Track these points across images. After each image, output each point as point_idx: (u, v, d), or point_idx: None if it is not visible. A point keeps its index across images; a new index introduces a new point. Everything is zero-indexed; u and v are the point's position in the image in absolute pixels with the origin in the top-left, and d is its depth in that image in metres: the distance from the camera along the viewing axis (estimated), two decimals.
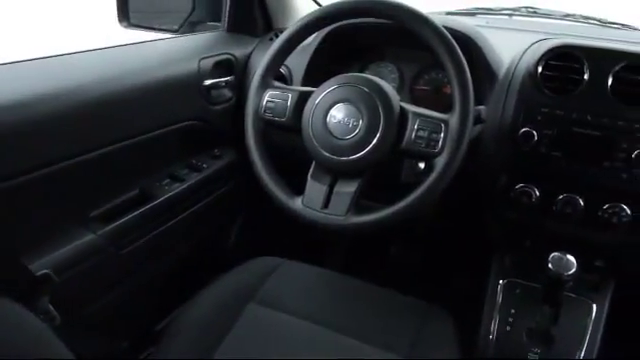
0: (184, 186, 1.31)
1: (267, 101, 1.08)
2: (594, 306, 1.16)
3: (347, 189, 1.01)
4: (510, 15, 1.77)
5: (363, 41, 1.40)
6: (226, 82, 1.41)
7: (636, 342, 1.25)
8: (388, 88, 1.02)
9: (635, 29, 1.59)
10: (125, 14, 1.48)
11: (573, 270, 1.02)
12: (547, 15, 1.68)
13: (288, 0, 1.55)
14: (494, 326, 1.17)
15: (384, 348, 1.04)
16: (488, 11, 1.73)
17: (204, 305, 1.12)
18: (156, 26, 1.53)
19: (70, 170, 1.04)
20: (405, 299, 1.18)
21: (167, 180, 1.31)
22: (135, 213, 1.20)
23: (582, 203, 1.11)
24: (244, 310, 1.10)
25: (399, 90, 1.37)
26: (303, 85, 1.30)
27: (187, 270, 1.46)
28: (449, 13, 1.70)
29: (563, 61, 1.12)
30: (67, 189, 1.08)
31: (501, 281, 1.21)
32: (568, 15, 1.65)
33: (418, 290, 1.22)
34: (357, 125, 0.99)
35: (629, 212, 1.08)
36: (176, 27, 1.54)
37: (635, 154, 1.04)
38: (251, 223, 1.69)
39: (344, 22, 1.18)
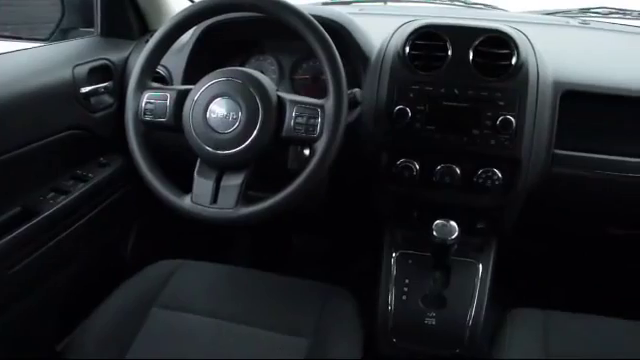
0: (70, 198, 1.27)
1: (146, 103, 1.06)
2: (480, 266, 1.24)
3: (234, 182, 1.02)
4: (385, 2, 1.85)
5: (241, 35, 1.41)
6: (105, 88, 1.37)
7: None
8: (264, 79, 1.04)
9: (495, 8, 1.71)
10: None
11: (455, 234, 1.09)
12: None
13: (161, 0, 1.53)
14: (391, 297, 1.22)
15: (290, 333, 1.07)
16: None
17: (105, 317, 1.10)
18: (24, 36, 1.46)
19: None
20: (306, 283, 1.21)
21: (51, 194, 1.26)
22: (20, 230, 1.15)
23: (458, 171, 1.18)
24: (148, 316, 1.09)
25: (279, 81, 1.39)
26: (184, 84, 1.29)
27: (86, 283, 1.42)
28: (325, 3, 1.75)
29: (428, 40, 1.19)
30: None
31: (394, 254, 1.27)
32: None
33: (323, 275, 1.26)
34: (237, 118, 1.00)
35: (500, 175, 1.17)
36: (46, 35, 1.48)
37: (499, 121, 1.13)
38: (149, 228, 1.66)
39: (218, 18, 1.18)
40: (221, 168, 1.03)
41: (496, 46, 1.16)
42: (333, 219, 1.69)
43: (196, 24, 1.15)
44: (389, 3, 1.89)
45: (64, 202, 1.26)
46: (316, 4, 1.69)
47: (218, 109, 1.01)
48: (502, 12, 1.70)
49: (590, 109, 1.23)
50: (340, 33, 1.23)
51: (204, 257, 1.28)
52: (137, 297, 1.14)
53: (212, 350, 1.03)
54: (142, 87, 1.08)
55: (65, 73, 1.28)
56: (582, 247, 1.65)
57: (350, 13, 1.42)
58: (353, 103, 1.16)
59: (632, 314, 1.11)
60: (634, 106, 1.22)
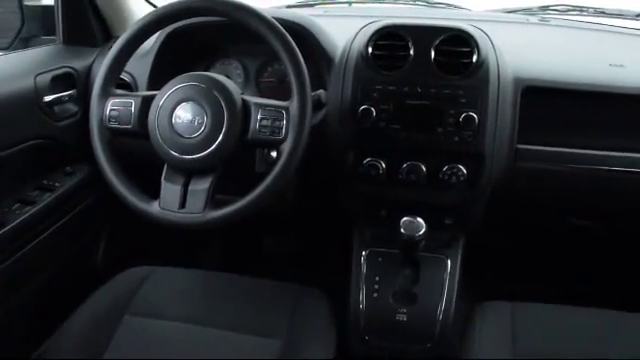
0: (36, 208, 1.26)
1: (110, 110, 1.06)
2: (448, 261, 1.26)
3: (201, 186, 1.02)
4: (350, 3, 1.87)
5: (206, 40, 1.41)
6: (69, 96, 1.36)
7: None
8: (229, 83, 1.04)
9: (458, 7, 1.74)
10: None
11: (423, 231, 1.11)
12: (381, 0, 1.80)
13: (123, 6, 1.52)
14: (362, 295, 1.23)
15: (263, 335, 1.07)
16: (326, 1, 1.81)
17: (77, 326, 1.09)
18: None
19: None
20: (278, 285, 1.22)
21: (17, 205, 1.25)
22: None
23: (424, 169, 1.20)
24: (119, 324, 1.08)
25: (245, 84, 1.40)
26: (149, 90, 1.29)
27: (57, 293, 1.40)
28: (289, 6, 1.76)
29: (390, 40, 1.20)
30: None
31: (364, 252, 1.28)
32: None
33: (294, 276, 1.26)
34: (202, 122, 1.00)
35: (465, 171, 1.19)
36: (6, 45, 1.46)
37: (462, 118, 1.15)
38: (120, 235, 1.65)
39: (182, 22, 1.18)
40: (188, 173, 1.03)
41: (457, 44, 1.18)
42: (303, 220, 1.69)
43: (160, 29, 1.15)
44: (354, 5, 1.91)
45: (30, 213, 1.24)
46: (280, 7, 1.70)
47: (183, 114, 1.01)
48: (464, 11, 1.73)
49: (551, 104, 1.26)
50: (303, 35, 1.24)
51: (176, 262, 1.28)
52: (108, 306, 1.13)
53: (185, 355, 1.03)
54: (106, 94, 1.07)
55: (27, 82, 1.26)
56: (549, 239, 1.68)
57: (314, 15, 1.44)
58: (318, 104, 1.17)
59: (598, 303, 1.14)
60: (593, 100, 1.26)
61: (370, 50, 1.20)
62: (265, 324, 1.09)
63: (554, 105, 1.27)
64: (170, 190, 1.03)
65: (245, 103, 1.02)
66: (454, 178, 1.19)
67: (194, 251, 1.81)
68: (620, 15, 1.64)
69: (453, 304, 1.21)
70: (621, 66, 1.30)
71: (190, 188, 1.02)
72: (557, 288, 1.43)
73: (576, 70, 1.28)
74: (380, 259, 1.27)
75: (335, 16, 1.65)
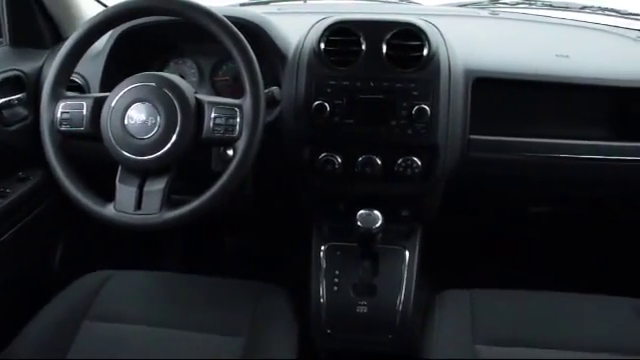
0: None
1: (62, 112, 1.05)
2: (406, 252, 1.28)
3: (157, 187, 1.02)
4: (305, 0, 1.87)
5: (159, 39, 1.39)
6: (18, 100, 1.33)
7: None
8: (181, 82, 1.04)
9: (410, 2, 1.76)
10: None
11: (379, 223, 1.12)
12: None
13: (72, 6, 1.49)
14: (322, 290, 1.24)
15: (225, 333, 1.07)
16: None
17: (36, 333, 1.07)
18: None
19: None
20: (239, 283, 1.22)
21: None
22: None
23: (379, 162, 1.21)
24: (79, 330, 1.08)
25: (200, 83, 1.39)
26: (102, 92, 1.27)
27: (14, 300, 1.37)
28: (243, 4, 1.76)
29: (342, 36, 1.21)
30: None
31: (323, 247, 1.29)
32: None
33: (256, 274, 1.27)
34: (155, 123, 1.00)
35: (419, 163, 1.21)
36: None
37: (415, 110, 1.17)
38: (77, 240, 1.62)
39: (133, 22, 1.17)
40: (143, 174, 1.03)
41: (407, 38, 1.20)
42: (263, 217, 1.70)
43: (110, 29, 1.14)
44: (309, 1, 1.92)
45: None
46: (234, 5, 1.69)
47: (136, 115, 1.01)
48: (417, 6, 1.76)
49: (500, 95, 1.30)
50: (256, 33, 1.24)
51: (137, 265, 1.27)
52: (67, 311, 1.12)
53: (147, 358, 1.02)
54: (57, 97, 1.06)
55: None
56: (506, 227, 1.72)
57: (268, 13, 1.44)
58: (272, 101, 1.19)
59: (555, 286, 1.18)
60: (540, 90, 1.30)
61: (322, 46, 1.21)
62: (227, 323, 1.10)
63: (504, 95, 1.30)
64: (125, 192, 1.03)
65: (198, 102, 1.03)
66: (409, 170, 1.21)
67: (156, 253, 1.79)
68: (566, 8, 1.69)
69: (412, 294, 1.23)
70: (566, 56, 1.33)
71: (145, 189, 1.02)
72: (515, 274, 1.46)
73: (524, 61, 1.32)
74: (339, 253, 1.28)
75: (289, 13, 1.65)
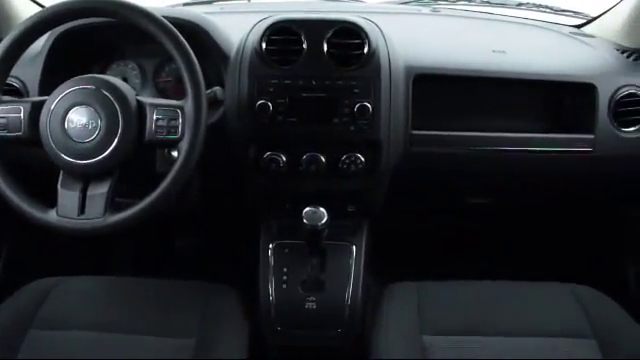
0: None
1: None
2: (353, 248, 1.29)
3: (100, 191, 1.01)
4: None
5: (100, 41, 1.37)
6: None
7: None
8: (122, 84, 1.04)
9: (353, 0, 1.78)
10: None
11: (325, 220, 1.13)
12: None
13: (7, 6, 1.44)
14: (271, 287, 1.25)
15: (175, 335, 1.07)
16: None
17: None
18: None
19: None
20: (188, 284, 1.22)
21: None
22: None
23: (323, 159, 1.23)
24: (25, 339, 1.05)
25: (143, 85, 1.38)
26: (41, 95, 1.24)
27: None
28: (186, 4, 1.74)
29: (283, 35, 1.22)
30: None
31: (271, 245, 1.29)
32: None
33: (208, 275, 1.27)
34: (96, 126, 0.99)
35: (363, 159, 1.23)
36: None
37: (357, 108, 1.19)
38: (21, 248, 1.58)
39: (72, 23, 1.15)
40: (85, 178, 1.02)
41: (348, 37, 1.22)
42: (212, 218, 1.69)
43: (47, 31, 1.11)
44: (253, 0, 1.92)
45: None
46: (176, 5, 1.68)
47: (76, 118, 1.00)
48: (359, 4, 1.78)
49: (441, 90, 1.33)
50: (196, 33, 1.23)
51: (85, 271, 1.25)
52: (12, 320, 1.10)
53: None
54: None
55: None
56: (450, 219, 1.76)
57: (211, 13, 1.44)
58: (214, 101, 1.20)
59: (499, 275, 1.21)
60: (478, 85, 1.33)
61: (264, 45, 1.22)
62: (176, 324, 1.10)
63: (444, 91, 1.34)
64: (67, 197, 1.02)
65: (140, 104, 1.02)
66: (353, 166, 1.23)
67: (104, 258, 1.76)
68: (503, 5, 1.75)
69: (360, 288, 1.25)
70: (503, 52, 1.38)
71: (88, 193, 1.01)
72: (460, 265, 1.50)
73: (462, 57, 1.35)
74: (287, 251, 1.29)
75: (232, 12, 1.65)
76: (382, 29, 1.30)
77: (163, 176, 1.02)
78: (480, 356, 1.03)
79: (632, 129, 1.32)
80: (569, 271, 1.28)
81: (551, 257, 1.71)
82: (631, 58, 1.42)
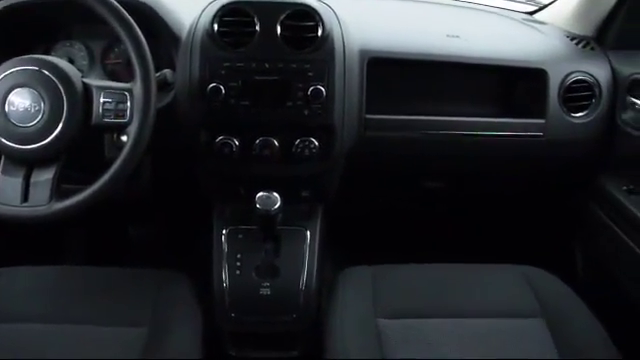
0: None
1: None
2: (308, 233, 1.29)
3: (45, 177, 0.98)
4: None
5: (45, 20, 1.32)
6: None
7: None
8: (66, 66, 1.01)
9: None
10: None
11: (278, 205, 1.12)
12: None
13: None
14: (225, 274, 1.23)
15: (128, 325, 1.05)
16: None
17: None
18: None
19: None
20: (140, 272, 1.20)
21: None
22: None
23: (277, 143, 1.22)
24: None
25: (90, 67, 1.34)
26: None
27: None
28: None
29: (235, 17, 1.20)
30: None
31: (224, 231, 1.28)
32: None
33: (162, 262, 1.24)
34: (40, 109, 0.96)
35: (317, 144, 1.22)
36: None
37: (310, 91, 1.18)
38: None
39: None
40: (29, 164, 0.99)
41: (301, 19, 1.20)
42: (164, 204, 1.66)
43: None
44: None
45: None
46: None
47: (18, 101, 0.97)
48: None
49: (395, 74, 1.33)
50: (146, 14, 1.20)
51: (35, 261, 1.20)
52: None
53: (45, 356, 0.98)
54: None
55: None
56: (405, 203, 1.78)
57: None
58: (164, 84, 1.18)
59: (451, 258, 1.23)
60: (432, 69, 1.34)
61: (216, 27, 1.19)
62: (128, 314, 1.07)
63: (398, 75, 1.34)
64: (9, 184, 0.98)
65: (86, 86, 0.99)
66: (307, 151, 1.22)
67: (54, 247, 1.71)
68: None
69: (315, 274, 1.24)
70: (457, 37, 1.39)
71: (32, 180, 0.98)
72: (414, 248, 1.51)
73: (417, 41, 1.36)
74: (241, 236, 1.27)
75: None
76: (336, 12, 1.29)
77: (112, 161, 0.99)
78: (434, 338, 1.04)
79: (581, 114, 1.36)
80: (522, 254, 1.30)
81: (505, 241, 1.74)
82: (580, 45, 1.45)
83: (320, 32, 1.20)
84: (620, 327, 1.12)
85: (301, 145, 1.22)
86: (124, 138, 1.14)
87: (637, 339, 1.26)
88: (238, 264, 1.24)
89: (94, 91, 0.99)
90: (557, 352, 1.00)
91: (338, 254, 1.44)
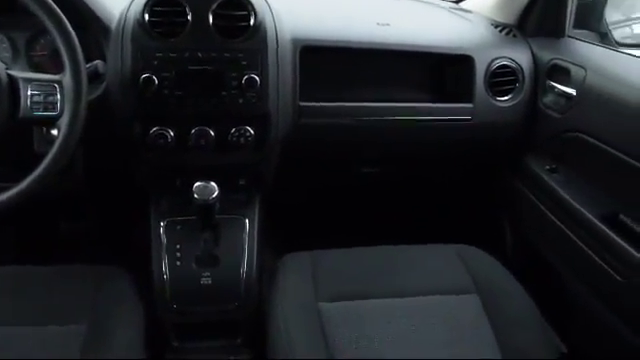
0: None
1: None
2: (246, 221, 1.29)
3: None
4: None
5: None
6: None
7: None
8: None
9: None
10: None
11: (215, 194, 1.12)
12: None
13: None
14: (165, 266, 1.22)
15: (66, 323, 1.03)
16: None
17: None
18: None
19: None
20: (77, 268, 1.17)
21: None
22: None
23: (212, 133, 1.22)
24: None
25: (15, 59, 1.29)
26: None
27: None
28: None
29: (166, 6, 1.18)
30: None
31: (162, 223, 1.27)
32: None
33: (97, 258, 1.22)
34: None
35: (252, 132, 1.23)
36: None
37: (244, 80, 1.18)
38: None
39: None
40: None
41: (234, 8, 1.20)
42: (99, 198, 1.63)
43: None
44: None
45: None
46: None
47: None
48: None
49: (328, 62, 1.36)
50: (73, 4, 1.17)
51: None
52: None
53: None
54: None
55: None
56: (342, 189, 1.81)
57: None
58: (94, 75, 1.15)
59: (390, 240, 1.27)
60: (364, 57, 1.37)
61: (147, 17, 1.17)
62: (66, 312, 1.05)
63: (331, 63, 1.36)
64: None
65: (12, 79, 0.96)
66: (242, 139, 1.23)
67: None
68: None
69: (255, 261, 1.25)
70: (387, 25, 1.42)
71: None
72: (353, 232, 1.54)
73: (348, 29, 1.38)
74: (179, 227, 1.26)
75: None
76: (268, 1, 1.30)
77: (42, 156, 0.97)
78: (373, 318, 1.07)
79: (506, 98, 1.42)
80: (457, 234, 1.35)
81: (440, 221, 1.80)
82: (503, 32, 1.51)
83: (252, 21, 1.20)
84: (548, 299, 1.19)
85: (237, 134, 1.22)
86: (54, 132, 1.11)
87: (564, 310, 1.34)
88: (178, 255, 1.23)
89: (21, 83, 0.96)
90: (490, 325, 1.06)
91: (277, 241, 1.45)
